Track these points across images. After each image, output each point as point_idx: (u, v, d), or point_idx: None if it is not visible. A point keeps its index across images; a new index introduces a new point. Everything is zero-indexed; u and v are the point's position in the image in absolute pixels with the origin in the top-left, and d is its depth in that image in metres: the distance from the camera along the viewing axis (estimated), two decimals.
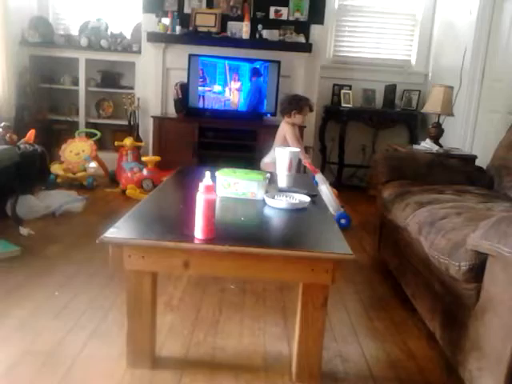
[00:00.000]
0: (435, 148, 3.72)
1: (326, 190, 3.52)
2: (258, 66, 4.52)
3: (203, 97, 4.57)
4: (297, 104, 3.69)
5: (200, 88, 4.55)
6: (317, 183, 3.60)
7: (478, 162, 3.53)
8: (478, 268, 1.56)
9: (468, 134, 4.15)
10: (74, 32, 5.04)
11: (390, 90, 5.05)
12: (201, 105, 4.59)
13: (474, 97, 4.10)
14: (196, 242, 1.49)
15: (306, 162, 3.73)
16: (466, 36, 4.18)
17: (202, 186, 1.50)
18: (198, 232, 1.50)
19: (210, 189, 1.51)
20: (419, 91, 5.04)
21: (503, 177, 2.74)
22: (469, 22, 4.16)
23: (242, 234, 1.65)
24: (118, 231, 1.53)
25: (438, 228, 1.91)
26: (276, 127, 4.57)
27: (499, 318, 1.43)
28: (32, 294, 2.18)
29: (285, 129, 3.73)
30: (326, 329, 1.87)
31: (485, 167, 3.01)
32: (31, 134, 3.68)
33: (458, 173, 2.85)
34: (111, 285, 2.30)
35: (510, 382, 1.39)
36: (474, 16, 4.08)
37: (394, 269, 2.56)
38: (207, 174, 1.52)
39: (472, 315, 1.59)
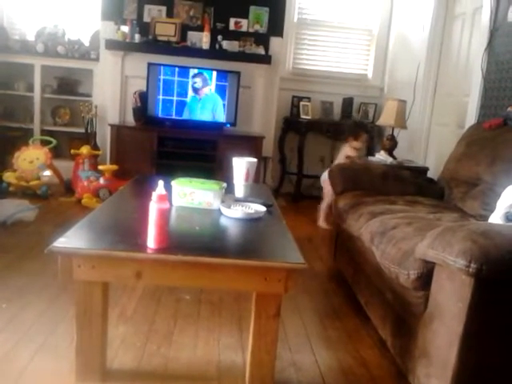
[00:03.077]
0: (389, 160, 3.82)
1: None
2: (217, 77, 4.53)
3: (162, 106, 4.54)
4: (353, 131, 4.01)
5: (159, 97, 4.52)
6: None
7: (430, 174, 3.63)
8: (425, 276, 1.60)
9: (421, 147, 4.27)
10: (30, 37, 4.92)
11: (348, 102, 5.16)
12: (160, 114, 4.56)
13: (426, 110, 4.24)
14: (148, 251, 1.47)
15: None
16: (420, 51, 4.33)
17: (154, 195, 1.49)
18: (151, 241, 1.49)
19: (163, 198, 1.50)
20: (375, 104, 5.18)
21: (452, 188, 2.83)
22: (422, 38, 4.31)
23: (196, 243, 1.64)
24: (68, 241, 1.50)
25: (388, 238, 1.95)
26: (236, 137, 4.60)
27: (445, 325, 1.48)
28: None
29: (346, 150, 4.03)
30: (281, 338, 1.89)
31: (436, 179, 3.11)
32: None
33: (410, 184, 2.93)
34: (62, 297, 2.23)
35: None
36: (426, 32, 4.23)
37: (348, 278, 2.60)
38: (160, 183, 1.51)
39: (421, 323, 1.63)
